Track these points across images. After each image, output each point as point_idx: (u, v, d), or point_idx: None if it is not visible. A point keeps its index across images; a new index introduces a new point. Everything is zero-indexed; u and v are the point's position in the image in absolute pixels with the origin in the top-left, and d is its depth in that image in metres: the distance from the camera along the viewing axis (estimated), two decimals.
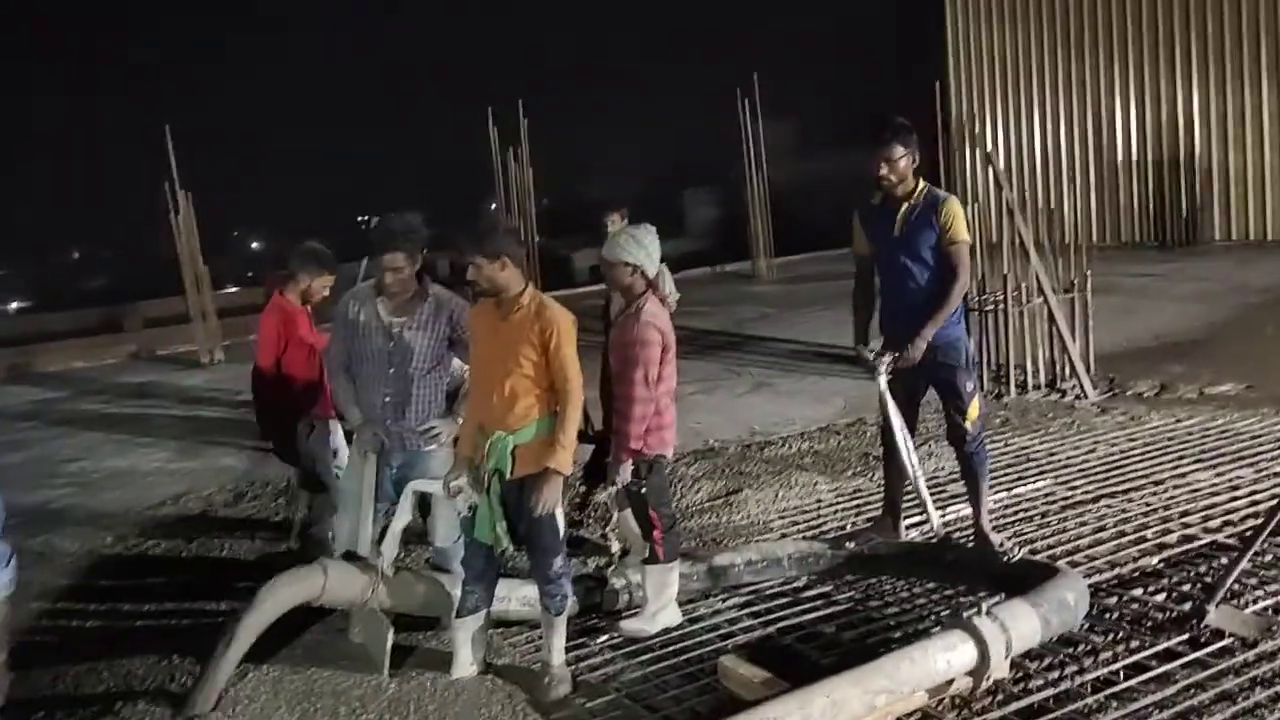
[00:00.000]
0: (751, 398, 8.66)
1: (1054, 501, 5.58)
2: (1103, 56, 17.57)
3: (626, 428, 4.12)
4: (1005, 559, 4.48)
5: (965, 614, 3.47)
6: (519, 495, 3.81)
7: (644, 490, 4.25)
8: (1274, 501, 4.15)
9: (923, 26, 20.77)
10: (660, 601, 4.27)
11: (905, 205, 4.56)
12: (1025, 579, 4.17)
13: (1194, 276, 13.17)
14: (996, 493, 5.75)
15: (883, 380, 4.61)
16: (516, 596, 4.24)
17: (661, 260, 4.39)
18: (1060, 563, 4.51)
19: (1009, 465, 6.23)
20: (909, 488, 4.82)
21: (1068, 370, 7.94)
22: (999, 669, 3.52)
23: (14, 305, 36.91)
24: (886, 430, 4.72)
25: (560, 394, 3.80)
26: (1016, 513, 5.44)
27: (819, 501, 5.85)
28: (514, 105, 14.36)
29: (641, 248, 4.22)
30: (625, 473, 4.19)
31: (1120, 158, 17.53)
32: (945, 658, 3.33)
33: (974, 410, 4.56)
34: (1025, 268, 7.96)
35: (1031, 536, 5.09)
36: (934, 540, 4.81)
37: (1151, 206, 17.24)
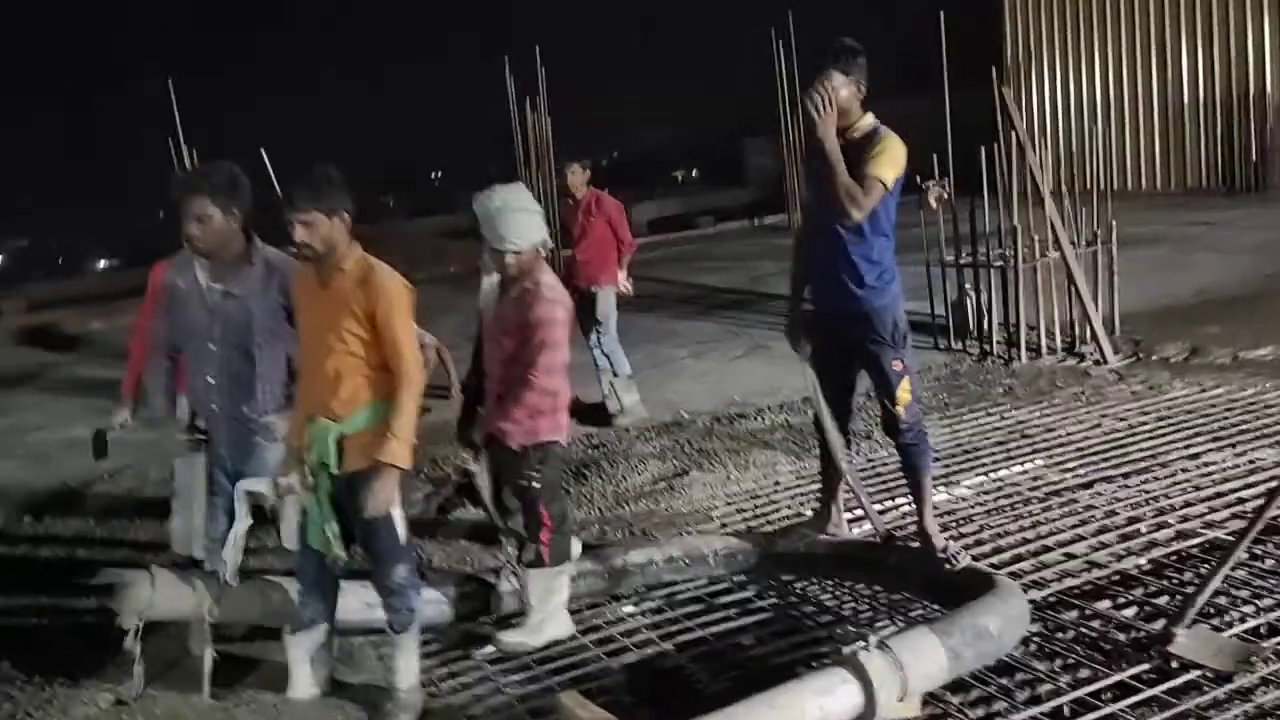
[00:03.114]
0: (743, 363, 8.02)
1: (1038, 487, 4.89)
2: None
3: (514, 410, 3.67)
4: (949, 565, 3.83)
5: (850, 648, 2.86)
6: (350, 493, 3.30)
7: (534, 483, 3.72)
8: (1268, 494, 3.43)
9: None
10: (545, 610, 3.73)
11: (841, 140, 3.80)
12: (967, 589, 3.56)
13: (1257, 225, 12.06)
14: (976, 476, 5.10)
15: (807, 361, 3.99)
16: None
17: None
18: (1007, 571, 3.89)
19: (999, 443, 5.55)
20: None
21: (1088, 332, 7.16)
22: (901, 710, 2.91)
23: (101, 263, 37.15)
24: (817, 418, 4.10)
25: (394, 375, 3.26)
26: (994, 500, 4.78)
27: (775, 485, 5.24)
28: (533, 53, 13.78)
29: (531, 215, 3.66)
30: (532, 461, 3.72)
31: (1186, 97, 16.27)
32: (819, 703, 2.73)
33: (904, 393, 3.88)
34: (1041, 218, 7.17)
35: (1002, 531, 4.43)
36: (875, 541, 4.18)
37: (1219, 149, 15.97)
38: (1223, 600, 3.58)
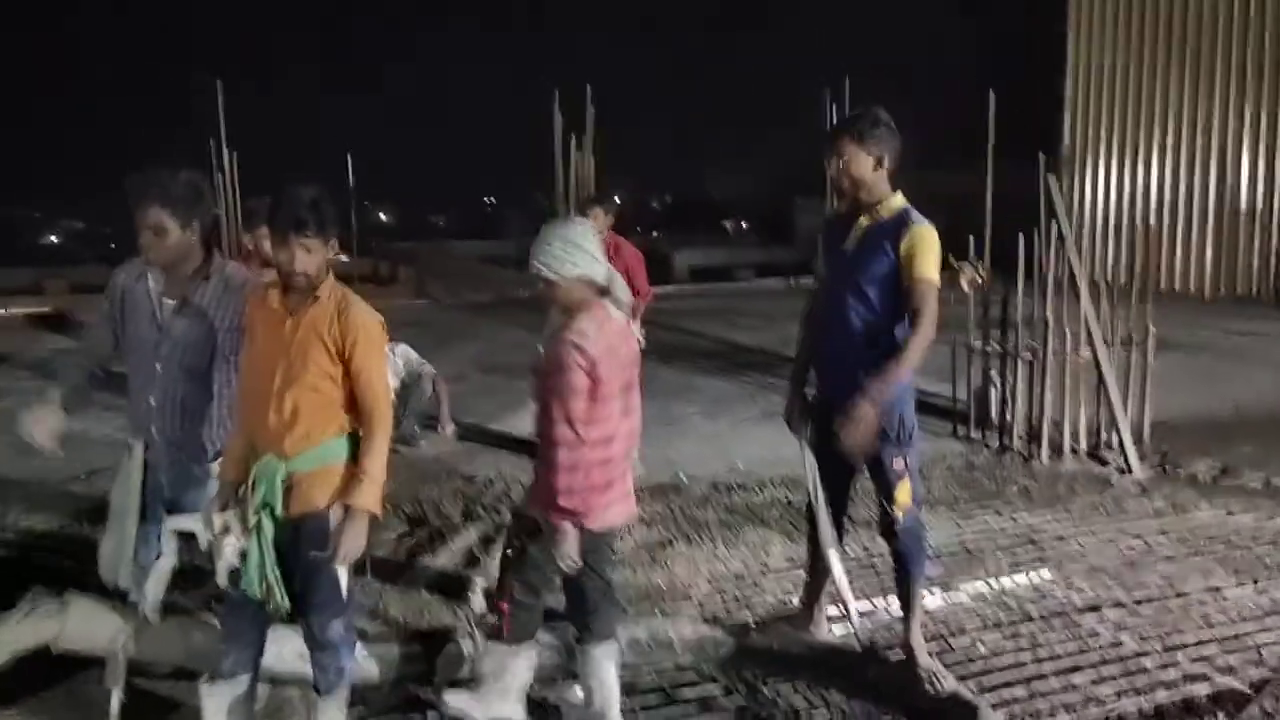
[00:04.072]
0: (754, 428, 7.73)
1: (1042, 603, 4.57)
2: (1233, 96, 15.95)
3: (552, 482, 3.13)
4: (931, 688, 3.53)
5: None
6: (295, 537, 3.06)
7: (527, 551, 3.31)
8: None
9: (1044, 47, 19.37)
10: (498, 688, 3.44)
11: (865, 219, 3.60)
12: (947, 717, 3.26)
13: None
14: (977, 582, 4.78)
15: (806, 445, 3.73)
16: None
17: None
18: (996, 697, 3.58)
19: (1005, 547, 5.22)
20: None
21: (1115, 438, 6.82)
22: None
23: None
24: (809, 506, 3.83)
25: (366, 416, 3.06)
26: (993, 613, 4.45)
27: (763, 568, 4.94)
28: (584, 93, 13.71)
29: (583, 251, 3.16)
30: (569, 545, 3.15)
31: (1243, 203, 15.91)
32: None
33: (904, 495, 3.60)
34: (1077, 311, 6.86)
35: (996, 649, 4.11)
36: (856, 647, 3.88)
37: (1272, 259, 15.58)
38: None
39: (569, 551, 3.15)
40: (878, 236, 3.52)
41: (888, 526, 3.64)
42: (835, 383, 3.61)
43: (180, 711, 3.39)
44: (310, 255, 2.97)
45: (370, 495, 3.03)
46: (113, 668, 3.24)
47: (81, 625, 3.25)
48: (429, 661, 3.71)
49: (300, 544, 3.06)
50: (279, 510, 3.03)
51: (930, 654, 3.78)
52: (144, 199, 3.21)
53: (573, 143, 13.65)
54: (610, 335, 3.16)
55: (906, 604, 3.69)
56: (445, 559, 4.93)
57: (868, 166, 3.53)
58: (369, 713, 3.53)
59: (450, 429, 7.17)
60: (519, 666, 3.42)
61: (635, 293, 6.48)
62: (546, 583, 3.38)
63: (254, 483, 3.02)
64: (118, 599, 3.42)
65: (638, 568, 4.86)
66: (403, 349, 7.13)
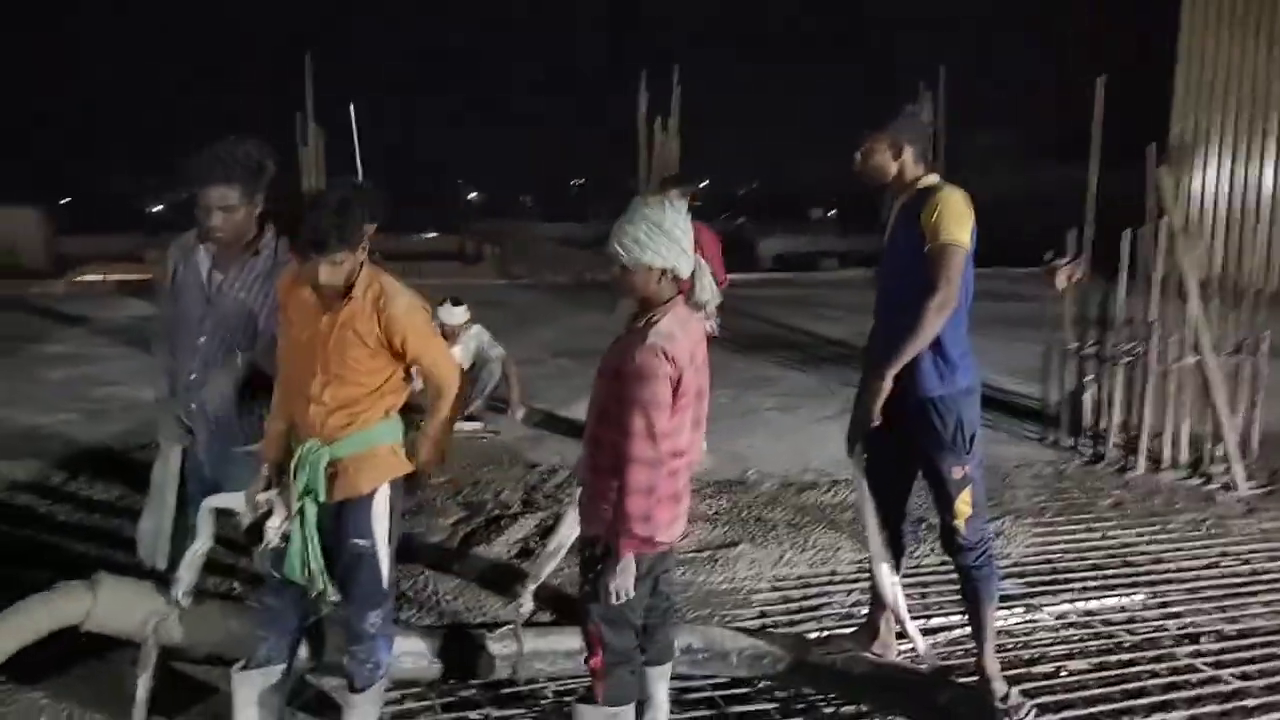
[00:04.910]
0: (831, 425, 7.39)
1: (1135, 627, 4.22)
2: None
3: (624, 506, 2.72)
4: (1006, 716, 3.24)
5: None
6: (337, 523, 2.92)
7: (585, 587, 2.89)
8: None
9: (1154, 39, 18.49)
10: None
11: (897, 203, 3.39)
12: None
13: None
14: (1061, 603, 4.45)
15: (857, 452, 3.46)
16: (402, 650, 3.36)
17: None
18: None
19: (1095, 567, 4.87)
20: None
21: (1220, 451, 6.36)
22: None
23: None
24: (862, 520, 3.57)
25: (435, 393, 3.01)
26: (1078, 637, 4.13)
27: (831, 575, 4.68)
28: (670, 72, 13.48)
29: (669, 239, 2.77)
30: (624, 579, 2.78)
31: None
32: None
33: (965, 506, 3.30)
34: (1184, 315, 6.42)
35: (1080, 680, 3.79)
36: (924, 669, 3.61)
37: None
38: None
39: (625, 585, 2.79)
40: (906, 217, 3.32)
41: (950, 540, 3.36)
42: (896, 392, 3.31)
43: (213, 698, 3.28)
44: (335, 269, 2.81)
45: (428, 455, 2.99)
46: (143, 651, 3.14)
47: (111, 606, 3.15)
48: (473, 659, 3.54)
49: (342, 530, 2.92)
50: (322, 495, 2.89)
51: (1006, 680, 3.48)
52: (211, 177, 3.08)
53: (657, 124, 13.45)
54: (692, 338, 2.84)
55: (978, 625, 3.41)
56: (500, 549, 4.78)
57: (888, 157, 3.36)
58: (408, 711, 3.38)
59: (520, 413, 7.03)
60: None
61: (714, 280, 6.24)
62: (649, 615, 3.00)
63: (297, 467, 2.88)
64: (155, 580, 3.32)
65: (700, 569, 4.64)
66: (476, 330, 7.01)
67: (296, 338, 2.93)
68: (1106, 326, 6.65)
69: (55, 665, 3.37)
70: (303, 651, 3.19)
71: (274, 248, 3.24)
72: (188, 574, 3.16)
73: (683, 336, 2.78)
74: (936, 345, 3.24)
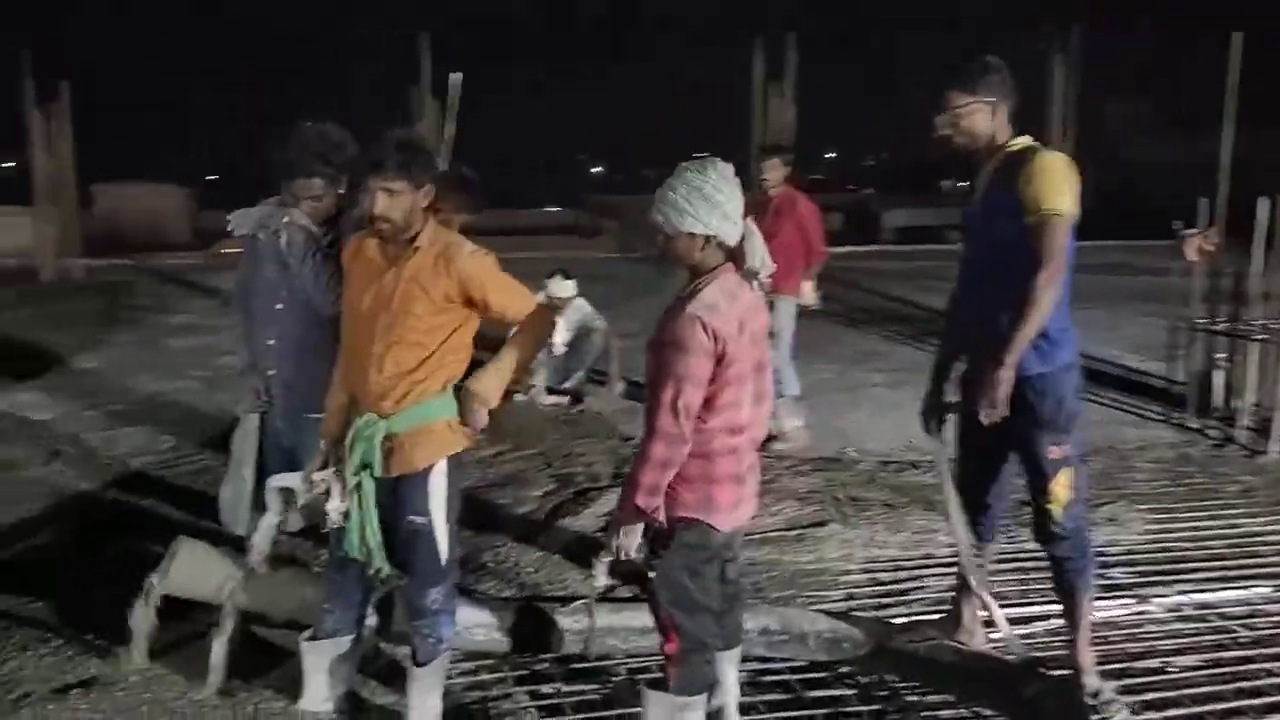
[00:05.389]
0: None
1: (1254, 623, 3.93)
2: None
3: (636, 472, 2.65)
4: (1098, 715, 3.04)
5: None
6: (394, 499, 2.92)
7: (650, 573, 2.79)
8: None
9: None
10: None
11: (986, 170, 3.15)
12: None
13: None
14: (1174, 594, 4.17)
15: (945, 436, 3.28)
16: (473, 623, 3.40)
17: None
18: None
19: (1216, 555, 4.56)
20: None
21: None
22: None
23: None
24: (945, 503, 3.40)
25: (523, 325, 2.99)
26: (1190, 632, 3.86)
27: (926, 558, 4.49)
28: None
29: (711, 205, 2.64)
30: (627, 540, 2.70)
31: None
32: None
33: (1062, 489, 3.09)
34: None
35: (1189, 678, 3.54)
36: (1012, 659, 3.41)
37: None
38: None
39: (626, 546, 2.70)
40: (999, 183, 3.08)
41: (1044, 528, 3.17)
42: (980, 356, 3.13)
43: (290, 663, 3.33)
44: (393, 199, 2.78)
45: (487, 382, 2.91)
46: (220, 615, 3.22)
47: (189, 571, 3.23)
48: (545, 633, 3.52)
49: (399, 507, 2.91)
50: (378, 471, 2.88)
51: (1101, 676, 3.27)
52: (305, 168, 3.13)
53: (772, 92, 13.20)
54: (742, 309, 2.71)
55: (1071, 617, 3.21)
56: (587, 522, 4.75)
57: (984, 116, 3.09)
58: (481, 683, 3.37)
59: (619, 386, 7.00)
60: None
61: (809, 251, 6.07)
62: (719, 599, 2.87)
63: (353, 442, 2.88)
64: (233, 546, 3.40)
65: (787, 548, 4.52)
66: (578, 302, 7.01)
67: (359, 305, 2.92)
68: (1240, 301, 6.22)
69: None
70: (373, 620, 3.21)
71: (348, 218, 3.24)
72: (261, 542, 3.22)
73: (729, 307, 2.67)
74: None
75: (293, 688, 3.16)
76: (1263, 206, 5.97)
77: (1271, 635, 3.83)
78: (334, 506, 2.93)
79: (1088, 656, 3.20)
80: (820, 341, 8.55)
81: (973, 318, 3.19)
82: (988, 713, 3.26)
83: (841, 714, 3.29)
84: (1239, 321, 6.24)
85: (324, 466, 2.96)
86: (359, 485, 2.90)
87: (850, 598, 4.11)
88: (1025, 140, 3.13)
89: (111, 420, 6.30)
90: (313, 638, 3.09)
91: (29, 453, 5.62)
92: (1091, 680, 3.15)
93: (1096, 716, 3.06)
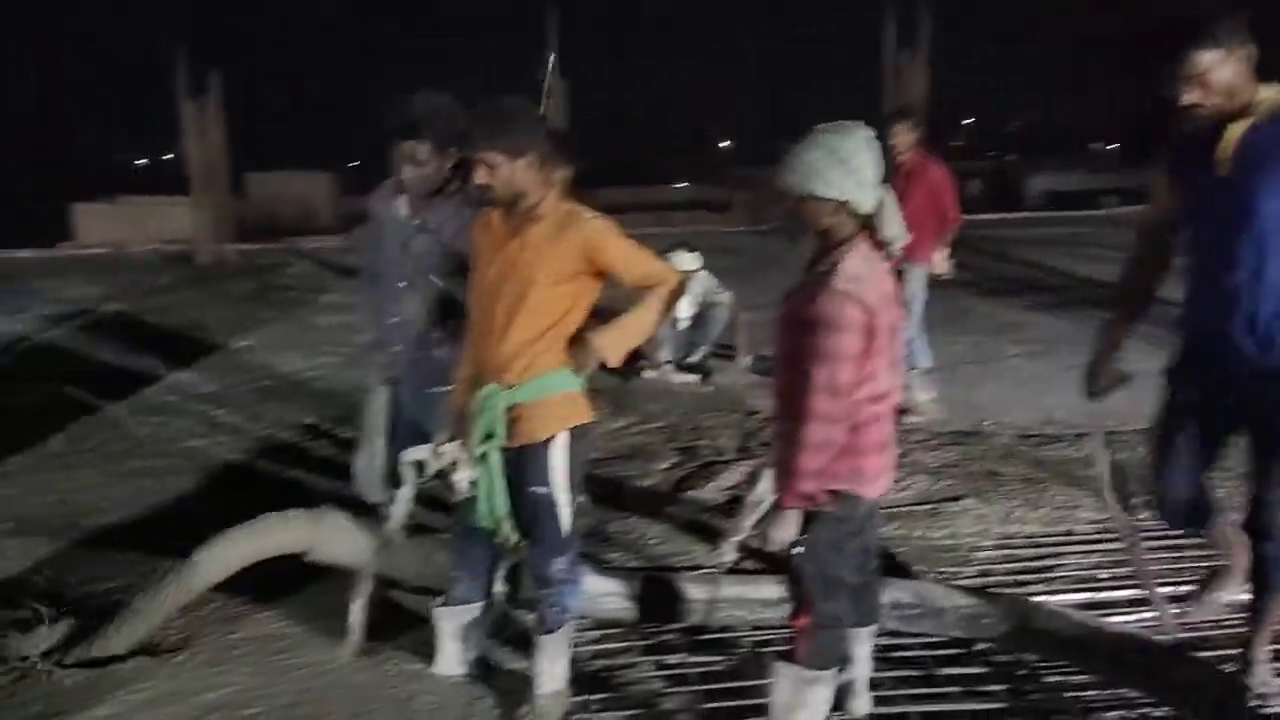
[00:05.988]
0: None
1: None
2: None
3: (796, 459, 2.58)
4: (1256, 706, 2.85)
5: None
6: (518, 469, 2.96)
7: (795, 552, 2.70)
8: None
9: None
10: None
11: (1236, 127, 2.73)
12: None
13: None
14: None
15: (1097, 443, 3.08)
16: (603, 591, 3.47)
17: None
18: None
19: None
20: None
21: None
22: None
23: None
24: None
25: (649, 286, 2.97)
26: None
27: (1067, 534, 4.31)
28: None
29: (846, 169, 2.56)
30: (785, 531, 2.65)
31: None
32: None
33: None
34: None
35: None
36: (1167, 642, 3.23)
37: None
38: None
39: (783, 538, 2.65)
40: (1268, 145, 2.69)
41: (1261, 525, 2.91)
42: (1232, 351, 2.81)
43: (424, 627, 3.43)
44: (490, 170, 2.81)
45: (609, 338, 2.91)
46: (359, 580, 3.33)
47: (332, 537, 3.35)
48: (671, 603, 3.53)
49: (521, 478, 2.95)
50: (502, 441, 2.92)
51: (1275, 672, 3.05)
52: (407, 130, 3.17)
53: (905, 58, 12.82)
54: (880, 276, 2.62)
55: (1260, 615, 2.99)
56: (711, 494, 4.74)
57: (1235, 72, 2.70)
58: (607, 651, 3.41)
59: (746, 360, 6.95)
60: (817, 699, 2.76)
61: (943, 218, 5.88)
62: (857, 573, 2.82)
63: (478, 412, 2.93)
64: (369, 514, 3.51)
65: (918, 523, 4.40)
66: (702, 275, 6.97)
67: (485, 276, 2.95)
68: None
69: (285, 588, 3.64)
70: (503, 588, 3.27)
71: (461, 195, 3.27)
72: (398, 511, 3.31)
73: (870, 276, 2.59)
74: None
75: (427, 651, 3.26)
76: None
77: None
78: (462, 477, 2.99)
79: (1264, 651, 2.99)
80: (955, 312, 8.30)
81: (1210, 293, 2.85)
82: (1136, 695, 3.11)
83: (976, 693, 3.19)
84: None
85: (452, 439, 3.01)
86: (484, 456, 2.95)
87: (985, 574, 3.98)
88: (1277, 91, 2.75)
89: (262, 396, 6.60)
90: (444, 604, 3.17)
91: (191, 425, 5.94)
92: (1263, 671, 2.95)
93: (1259, 706, 2.87)
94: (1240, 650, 3.06)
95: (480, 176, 2.84)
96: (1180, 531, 3.40)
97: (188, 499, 4.87)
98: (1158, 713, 3.04)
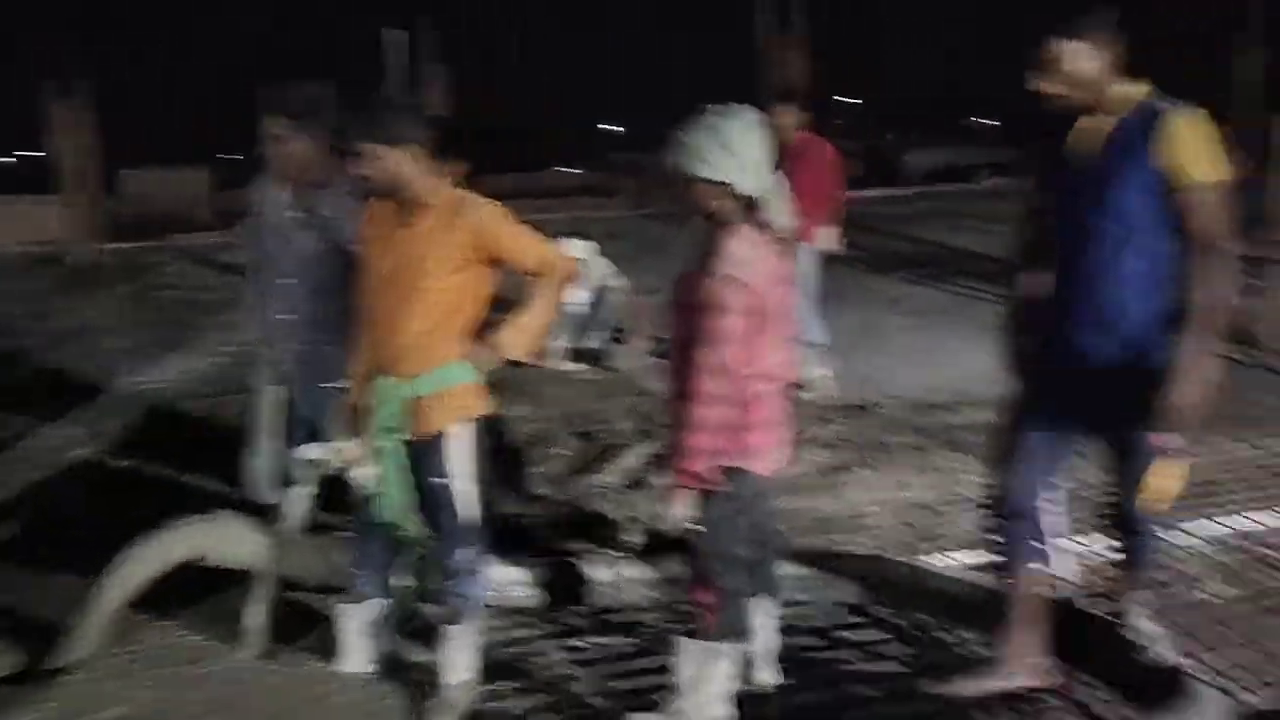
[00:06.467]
0: (961, 343, 7.08)
1: None
2: None
3: (687, 439, 2.66)
4: (1147, 656, 3.03)
5: None
6: (419, 461, 2.96)
7: (694, 529, 2.78)
8: None
9: None
10: (695, 698, 2.84)
11: (1091, 120, 2.80)
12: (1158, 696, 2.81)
13: None
14: (1207, 520, 4.15)
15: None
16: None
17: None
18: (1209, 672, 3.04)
19: (1249, 480, 4.53)
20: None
21: None
22: None
23: None
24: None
25: (536, 273, 2.98)
26: (1223, 560, 3.85)
27: (954, 499, 4.50)
28: None
29: (729, 152, 2.61)
30: (683, 509, 2.73)
31: None
32: None
33: (1163, 478, 2.83)
34: None
35: (1221, 603, 3.54)
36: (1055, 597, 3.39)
37: None
38: None
39: (679, 517, 2.72)
40: (1125, 138, 2.74)
41: (1126, 519, 3.04)
42: (1090, 345, 2.84)
43: (325, 625, 3.40)
44: (370, 163, 2.81)
45: (509, 337, 2.93)
46: (257, 582, 3.28)
47: (228, 540, 3.30)
48: (577, 587, 3.57)
49: (421, 469, 2.95)
50: (401, 434, 2.92)
51: (1150, 616, 3.24)
52: (268, 106, 3.12)
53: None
54: (769, 258, 2.69)
55: (1132, 576, 3.17)
56: (612, 478, 4.78)
57: (1096, 66, 2.77)
58: (517, 639, 3.43)
59: (641, 343, 7.01)
60: (722, 672, 2.84)
61: (828, 197, 6.01)
62: (753, 547, 2.87)
63: (374, 406, 2.92)
64: (264, 516, 3.46)
65: (810, 495, 4.54)
66: (596, 261, 7.00)
67: (376, 268, 2.94)
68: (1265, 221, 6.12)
69: (178, 598, 3.56)
70: (408, 582, 3.27)
71: (345, 183, 3.23)
72: (295, 511, 3.27)
73: (758, 258, 2.66)
74: (1164, 293, 2.78)
75: (334, 650, 3.23)
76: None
77: None
78: (362, 473, 2.98)
79: (1140, 604, 3.17)
80: (844, 288, 8.50)
81: (1069, 289, 2.88)
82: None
83: (878, 655, 3.32)
84: (1263, 245, 6.14)
85: (349, 435, 2.99)
86: (383, 450, 2.94)
87: (878, 540, 4.12)
88: (1140, 87, 2.80)
89: (146, 400, 6.39)
90: (347, 602, 3.15)
91: (75, 434, 5.73)
92: (1140, 621, 3.13)
93: (1142, 651, 3.05)
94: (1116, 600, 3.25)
95: (360, 168, 2.83)
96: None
97: (73, 510, 4.70)
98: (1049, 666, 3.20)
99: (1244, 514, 4.22)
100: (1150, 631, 3.16)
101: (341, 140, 2.87)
